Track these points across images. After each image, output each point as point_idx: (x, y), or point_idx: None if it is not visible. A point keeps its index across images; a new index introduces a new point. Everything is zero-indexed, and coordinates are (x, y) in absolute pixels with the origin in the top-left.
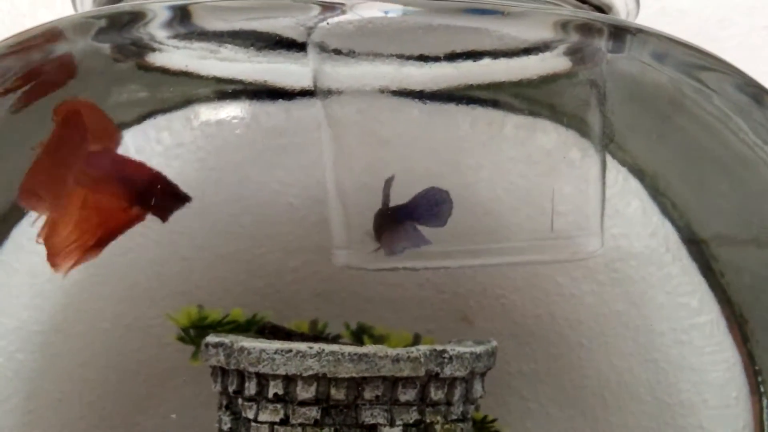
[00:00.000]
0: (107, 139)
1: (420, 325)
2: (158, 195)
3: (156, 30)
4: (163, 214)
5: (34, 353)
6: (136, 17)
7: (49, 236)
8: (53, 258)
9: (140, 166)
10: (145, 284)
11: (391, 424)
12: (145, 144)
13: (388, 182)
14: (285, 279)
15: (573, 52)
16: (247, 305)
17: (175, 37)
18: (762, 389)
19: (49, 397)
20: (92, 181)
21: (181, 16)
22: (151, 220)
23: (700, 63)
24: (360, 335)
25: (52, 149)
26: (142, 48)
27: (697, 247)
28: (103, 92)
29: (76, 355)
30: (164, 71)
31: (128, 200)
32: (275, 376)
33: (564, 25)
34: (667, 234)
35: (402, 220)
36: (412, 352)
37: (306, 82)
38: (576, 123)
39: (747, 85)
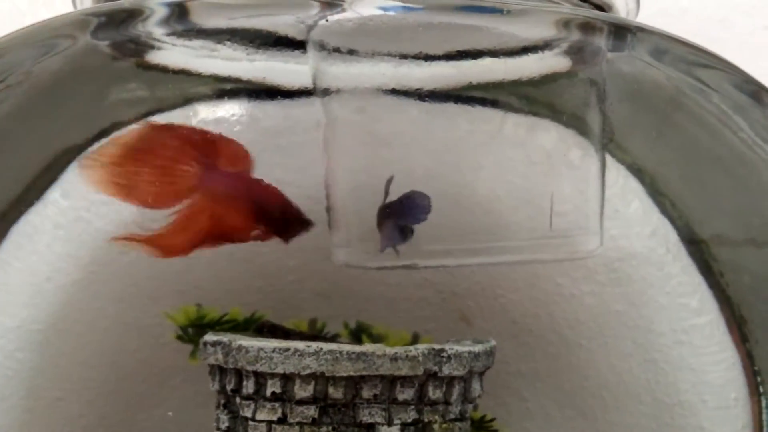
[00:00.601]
0: (240, 163)
1: (419, 325)
2: (284, 219)
3: (153, 27)
4: (287, 237)
5: (34, 352)
6: (134, 14)
7: (164, 235)
8: (155, 246)
9: (271, 190)
10: (144, 283)
11: (389, 423)
12: None
13: (389, 181)
14: (284, 278)
15: (573, 51)
16: (247, 305)
17: (173, 34)
18: (761, 389)
19: (48, 395)
20: (224, 198)
21: (179, 13)
22: (148, 218)
23: (700, 61)
24: (359, 334)
25: (150, 158)
26: (140, 46)
27: (696, 247)
28: (102, 90)
29: (76, 353)
30: (163, 69)
31: (254, 220)
32: (273, 375)
33: (564, 24)
34: (667, 234)
35: (387, 218)
36: (410, 351)
37: (305, 81)
38: (576, 122)
39: (747, 83)
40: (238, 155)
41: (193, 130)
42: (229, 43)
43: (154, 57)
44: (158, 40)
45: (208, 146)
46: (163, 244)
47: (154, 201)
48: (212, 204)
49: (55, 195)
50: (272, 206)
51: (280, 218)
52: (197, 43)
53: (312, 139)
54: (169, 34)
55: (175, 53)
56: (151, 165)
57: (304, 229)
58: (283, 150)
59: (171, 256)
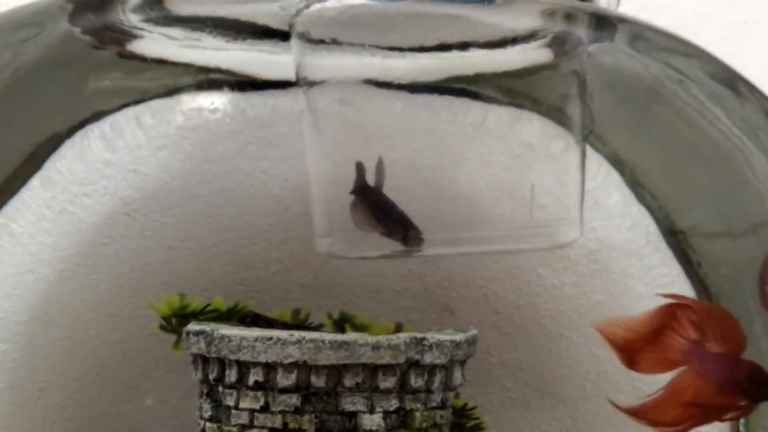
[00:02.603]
0: (734, 345)
1: (402, 316)
2: (759, 387)
3: (129, 13)
4: (757, 400)
5: (17, 343)
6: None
7: (654, 408)
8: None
9: (752, 366)
10: (129, 274)
11: (371, 411)
12: (129, 133)
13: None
14: (270, 269)
15: (555, 43)
16: (232, 296)
17: (148, 21)
18: None
19: (31, 386)
20: (708, 375)
21: None
22: (132, 209)
23: (679, 52)
24: (342, 324)
25: (657, 331)
26: (121, 35)
27: (675, 238)
28: (83, 79)
29: (59, 345)
30: (145, 59)
31: (730, 395)
32: (256, 364)
33: (547, 15)
34: (647, 225)
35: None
36: (392, 340)
37: (288, 72)
38: (557, 114)
39: (724, 73)
40: (732, 335)
41: (694, 306)
42: (210, 32)
43: (136, 46)
44: (136, 27)
45: (703, 323)
46: (654, 418)
47: (644, 366)
48: (698, 381)
49: (37, 185)
50: (751, 380)
51: (758, 388)
52: (179, 32)
53: (298, 131)
54: (144, 21)
55: (156, 43)
56: (649, 331)
57: None
58: (269, 142)
59: (662, 429)
